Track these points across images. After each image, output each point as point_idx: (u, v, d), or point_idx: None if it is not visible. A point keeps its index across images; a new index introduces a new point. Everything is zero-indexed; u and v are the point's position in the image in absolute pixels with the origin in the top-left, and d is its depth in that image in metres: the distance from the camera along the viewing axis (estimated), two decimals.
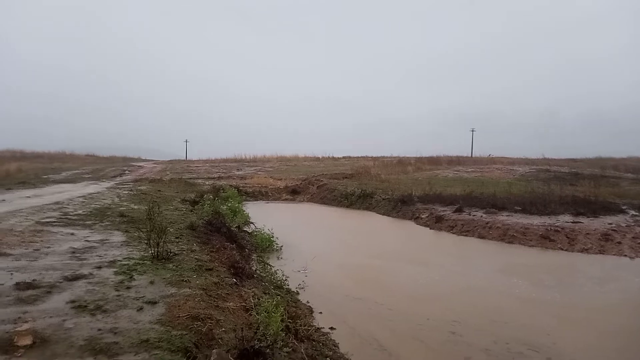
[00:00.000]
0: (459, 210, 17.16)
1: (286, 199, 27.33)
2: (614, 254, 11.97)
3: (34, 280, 5.41)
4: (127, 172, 34.05)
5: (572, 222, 14.31)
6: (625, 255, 11.80)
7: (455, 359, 5.87)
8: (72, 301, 4.75)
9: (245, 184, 29.52)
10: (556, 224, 14.11)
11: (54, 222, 9.86)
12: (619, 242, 12.55)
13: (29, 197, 14.63)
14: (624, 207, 16.58)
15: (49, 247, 7.33)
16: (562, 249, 12.63)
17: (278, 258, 11.25)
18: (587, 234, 13.15)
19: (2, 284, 5.20)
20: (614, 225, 13.78)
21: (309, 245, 13.04)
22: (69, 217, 10.74)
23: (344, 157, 52.09)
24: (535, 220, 14.79)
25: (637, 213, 15.64)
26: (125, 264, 6.46)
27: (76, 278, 5.63)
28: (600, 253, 12.14)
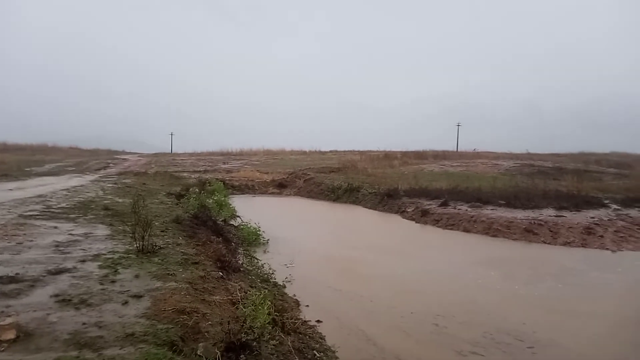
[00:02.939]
0: (444, 204, 17.30)
1: (273, 193, 27.25)
2: (596, 247, 12.20)
3: (17, 274, 5.35)
4: (111, 165, 33.61)
5: (555, 216, 14.53)
6: (607, 249, 12.03)
7: (441, 349, 5.95)
8: (56, 295, 4.71)
9: (232, 177, 29.34)
10: (540, 218, 14.31)
11: (37, 215, 9.72)
12: (601, 236, 12.79)
13: (11, 189, 14.40)
14: (606, 202, 16.87)
15: (32, 241, 7.24)
16: (545, 243, 12.82)
17: (265, 252, 11.23)
18: (570, 227, 13.37)
19: None
20: (596, 219, 14.02)
21: (295, 239, 13.04)
22: (53, 210, 10.60)
23: (330, 151, 51.96)
24: (519, 214, 14.97)
25: (619, 207, 15.93)
26: (109, 258, 6.41)
27: (60, 272, 5.57)
28: (583, 246, 12.35)
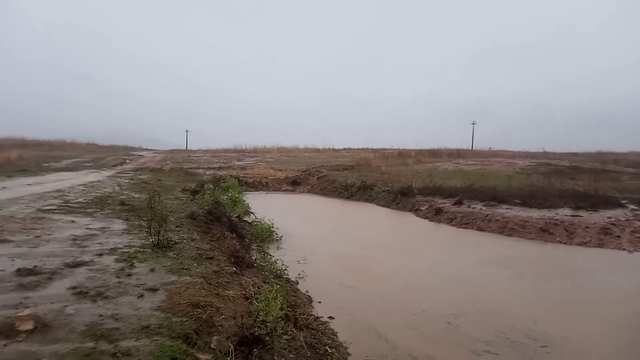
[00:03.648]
0: (458, 203, 17.16)
1: (286, 190, 27.31)
2: (612, 248, 11.99)
3: (35, 266, 5.45)
4: (127, 161, 34.04)
5: (571, 216, 14.33)
6: (624, 249, 11.82)
7: (454, 347, 5.92)
8: (73, 287, 4.79)
9: (246, 174, 29.49)
10: (555, 217, 14.12)
11: (55, 209, 9.88)
12: (618, 236, 12.57)
13: (29, 184, 14.67)
14: (623, 202, 16.58)
15: (50, 234, 7.36)
16: (561, 242, 12.65)
17: (278, 248, 11.28)
18: (587, 227, 13.17)
19: (4, 270, 5.23)
20: (613, 219, 13.79)
21: (308, 235, 13.08)
22: (70, 204, 10.77)
23: (344, 149, 51.94)
24: (535, 214, 14.79)
25: (636, 207, 15.65)
26: (126, 252, 6.50)
27: (77, 265, 5.66)
28: (599, 247, 12.16)
